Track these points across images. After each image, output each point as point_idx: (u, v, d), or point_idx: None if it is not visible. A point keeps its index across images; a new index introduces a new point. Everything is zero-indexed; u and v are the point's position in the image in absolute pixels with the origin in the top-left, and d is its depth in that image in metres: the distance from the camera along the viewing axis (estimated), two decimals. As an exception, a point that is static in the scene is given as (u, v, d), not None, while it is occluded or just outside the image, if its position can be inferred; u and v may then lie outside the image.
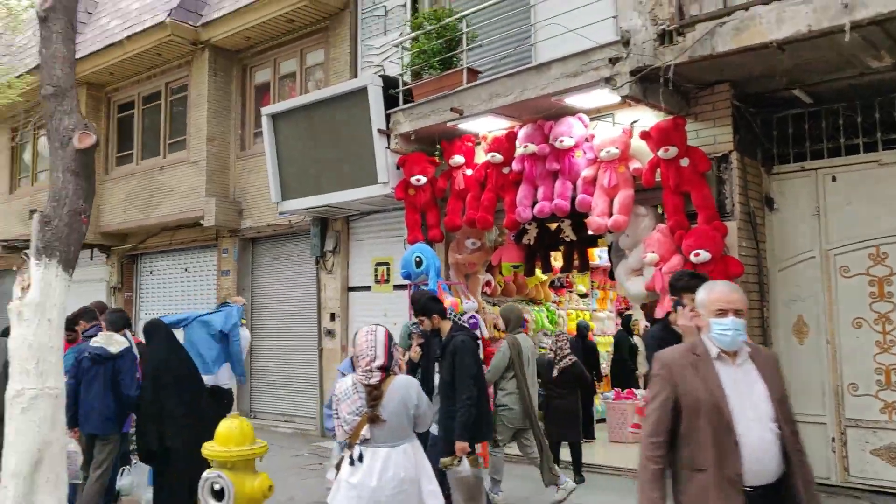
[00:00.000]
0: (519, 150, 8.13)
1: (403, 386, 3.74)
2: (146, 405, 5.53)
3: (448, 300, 8.33)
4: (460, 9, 9.00)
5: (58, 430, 5.06)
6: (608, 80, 6.83)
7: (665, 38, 6.44)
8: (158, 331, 5.76)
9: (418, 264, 8.44)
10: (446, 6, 9.45)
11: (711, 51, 6.04)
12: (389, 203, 9.71)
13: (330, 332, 10.70)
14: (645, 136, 7.11)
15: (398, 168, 9.13)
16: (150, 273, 14.24)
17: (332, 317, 10.71)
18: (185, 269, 13.34)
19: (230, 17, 11.67)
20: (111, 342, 5.81)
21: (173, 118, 13.31)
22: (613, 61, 6.79)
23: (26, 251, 5.27)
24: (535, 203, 8.00)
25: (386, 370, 3.71)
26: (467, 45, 8.53)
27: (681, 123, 6.90)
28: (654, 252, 6.90)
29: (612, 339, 10.79)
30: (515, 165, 8.17)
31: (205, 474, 4.29)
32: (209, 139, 12.26)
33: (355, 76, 10.58)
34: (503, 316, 7.23)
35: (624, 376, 10.24)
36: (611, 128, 7.67)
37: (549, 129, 7.90)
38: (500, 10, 8.45)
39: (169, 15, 11.85)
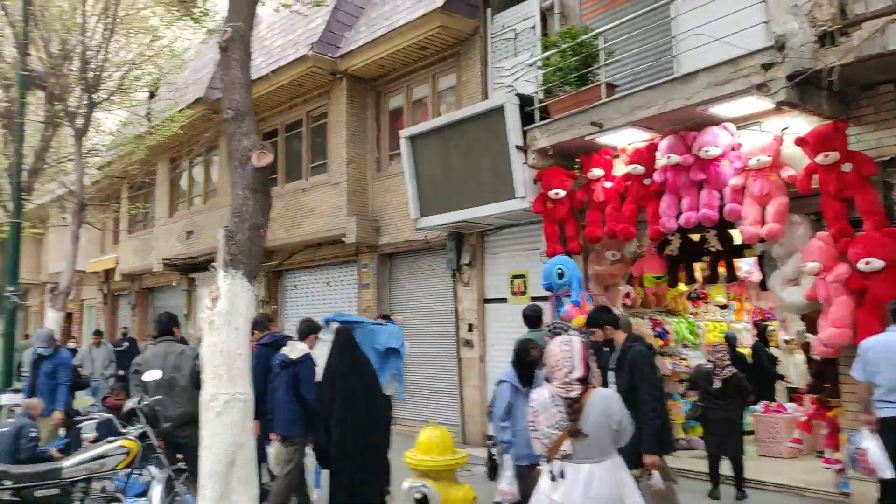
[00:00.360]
0: (661, 161, 7.77)
1: (604, 399, 3.49)
2: (322, 408, 5.56)
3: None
4: (595, 26, 8.75)
5: (248, 433, 5.13)
6: (760, 87, 6.42)
7: (825, 39, 5.97)
8: (340, 337, 5.79)
9: (560, 276, 8.20)
10: (576, 25, 9.22)
11: (883, 49, 5.53)
12: (525, 217, 9.52)
13: (468, 343, 10.58)
14: (800, 142, 6.60)
15: (536, 182, 8.93)
16: (294, 287, 14.62)
17: (470, 328, 10.59)
18: (327, 283, 13.60)
19: (366, 48, 11.87)
20: (294, 349, 5.90)
21: (314, 143, 13.67)
22: (767, 67, 6.36)
23: (214, 264, 5.41)
24: (679, 214, 7.62)
25: (585, 382, 3.48)
26: (605, 60, 8.27)
27: (842, 127, 6.35)
28: (815, 261, 6.36)
29: (749, 351, 10.13)
30: (657, 176, 7.81)
31: (407, 483, 4.19)
32: (348, 162, 12.49)
33: (486, 98, 10.48)
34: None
35: (764, 386, 9.58)
36: (759, 135, 7.18)
37: (692, 140, 7.50)
38: (638, 24, 8.12)
39: (311, 48, 12.19)
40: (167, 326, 6.33)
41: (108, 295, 21.98)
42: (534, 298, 9.73)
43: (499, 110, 9.12)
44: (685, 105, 7.17)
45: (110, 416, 5.96)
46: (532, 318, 7.45)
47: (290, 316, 14.79)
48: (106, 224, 22.47)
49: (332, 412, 5.46)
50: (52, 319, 9.69)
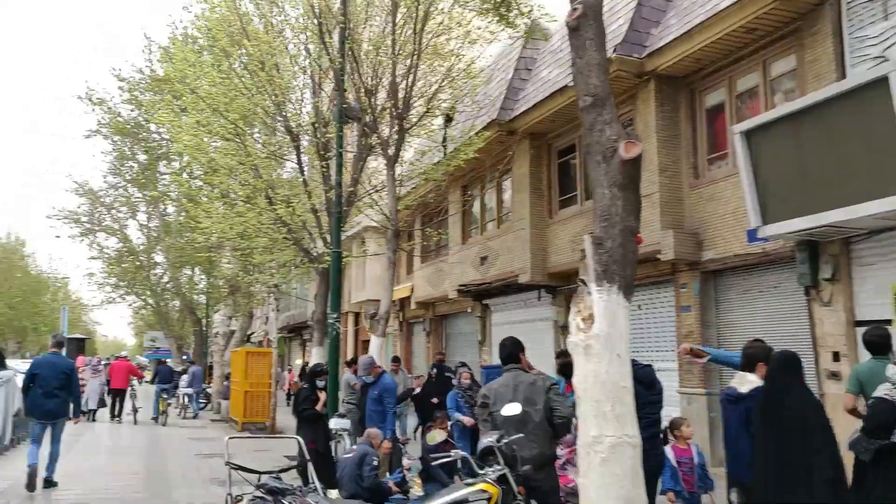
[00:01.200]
0: None
1: None
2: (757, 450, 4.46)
3: None
4: None
5: (639, 486, 4.13)
6: None
7: None
8: (775, 362, 4.66)
9: None
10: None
11: None
12: (917, 216, 7.50)
13: (834, 375, 8.65)
14: None
15: (941, 170, 6.96)
16: (598, 312, 13.62)
17: (836, 356, 8.66)
18: (638, 307, 12.36)
19: (679, 42, 10.61)
20: (743, 382, 4.91)
21: (615, 155, 12.64)
22: None
23: (583, 278, 4.57)
24: None
25: None
26: None
27: None
28: None
29: None
30: None
31: None
32: (660, 170, 11.26)
33: (843, 76, 8.64)
34: None
35: None
36: None
37: None
38: None
39: (614, 51, 11.23)
40: (513, 351, 5.61)
41: (403, 323, 22.95)
42: (933, 320, 7.64)
43: (879, 84, 7.30)
44: None
45: (465, 454, 5.36)
46: (877, 344, 5.93)
47: (592, 343, 13.84)
48: (400, 254, 23.68)
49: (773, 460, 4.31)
50: (375, 346, 9.78)
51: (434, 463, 6.25)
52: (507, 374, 5.51)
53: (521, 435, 4.90)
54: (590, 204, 13.10)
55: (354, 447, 7.14)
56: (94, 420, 19.53)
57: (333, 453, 9.16)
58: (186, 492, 9.48)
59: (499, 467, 4.81)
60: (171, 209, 28.34)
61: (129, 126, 21.62)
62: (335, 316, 10.89)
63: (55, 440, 9.33)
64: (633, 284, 4.54)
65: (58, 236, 29.07)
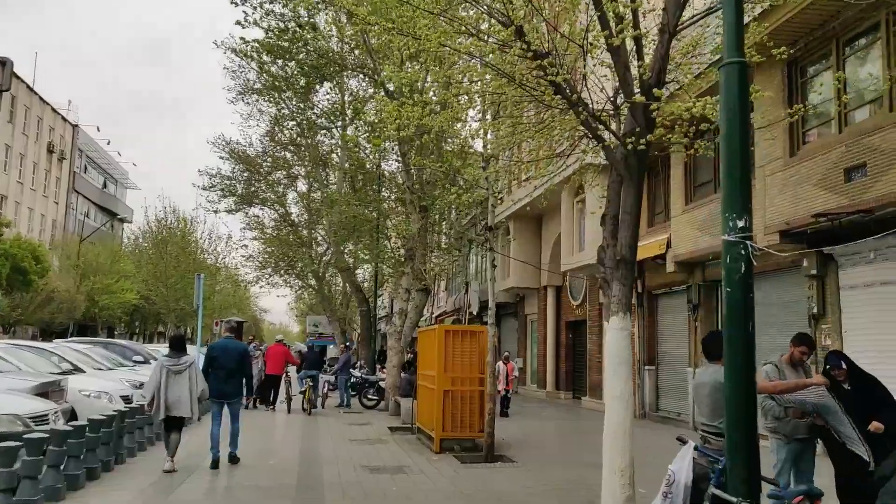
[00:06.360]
0: None
1: None
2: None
3: None
4: None
5: None
6: None
7: None
8: None
9: None
10: None
11: None
12: None
13: None
14: None
15: None
16: None
17: None
18: None
19: None
20: None
21: None
22: None
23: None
24: None
25: None
26: None
27: None
28: None
29: None
30: None
31: None
32: None
33: None
34: None
35: None
36: None
37: None
38: None
39: None
40: None
41: (644, 295, 16.07)
42: None
43: None
44: None
45: None
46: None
47: None
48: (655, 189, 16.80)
49: None
50: None
51: None
52: None
53: None
54: None
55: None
56: (255, 407, 17.33)
57: None
58: None
59: None
60: (332, 178, 23.47)
61: (281, 41, 16.13)
62: (742, 226, 4.29)
63: (234, 418, 9.40)
64: None
65: (215, 211, 25.10)
